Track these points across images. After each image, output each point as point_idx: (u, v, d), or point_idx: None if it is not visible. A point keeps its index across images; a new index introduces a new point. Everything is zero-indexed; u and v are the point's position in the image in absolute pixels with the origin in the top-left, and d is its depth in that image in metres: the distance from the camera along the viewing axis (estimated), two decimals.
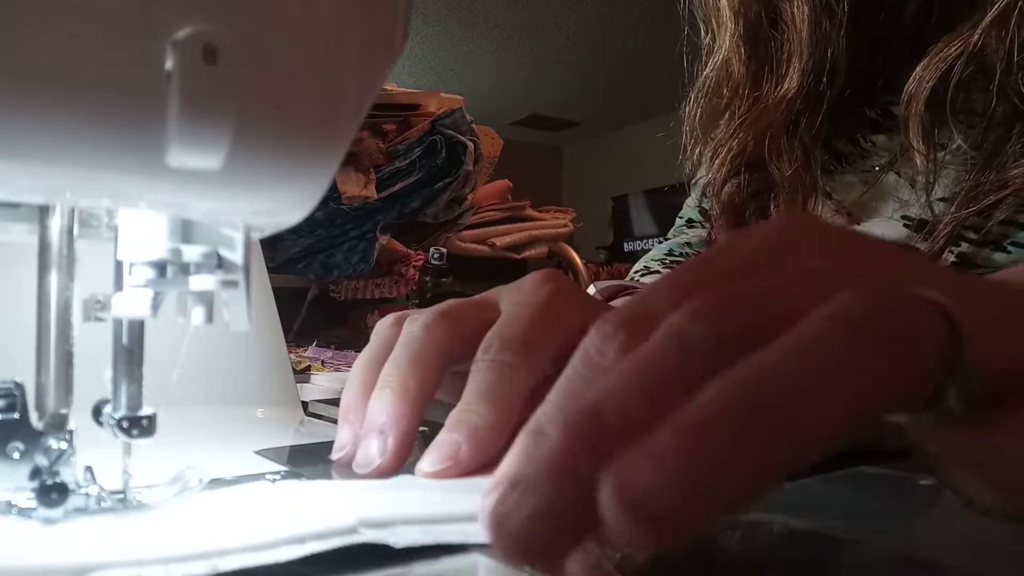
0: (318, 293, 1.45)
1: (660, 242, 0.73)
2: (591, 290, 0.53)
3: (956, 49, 0.41)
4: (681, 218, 0.73)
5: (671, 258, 0.66)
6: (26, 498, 0.23)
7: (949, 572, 0.23)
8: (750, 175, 0.53)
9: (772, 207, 0.54)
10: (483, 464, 0.29)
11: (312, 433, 0.43)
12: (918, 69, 0.43)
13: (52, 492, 0.23)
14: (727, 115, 0.54)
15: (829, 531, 0.26)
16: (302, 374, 0.89)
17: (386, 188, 1.29)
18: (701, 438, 0.15)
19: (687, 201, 0.72)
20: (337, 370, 0.99)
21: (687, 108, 0.58)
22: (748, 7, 0.52)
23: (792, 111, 0.50)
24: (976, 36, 0.40)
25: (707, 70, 0.56)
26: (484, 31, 3.98)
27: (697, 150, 0.58)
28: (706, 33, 0.56)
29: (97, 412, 0.26)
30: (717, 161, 0.54)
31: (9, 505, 0.23)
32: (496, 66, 4.49)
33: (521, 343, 0.30)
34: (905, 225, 0.47)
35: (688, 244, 0.68)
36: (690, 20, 0.58)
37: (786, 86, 0.50)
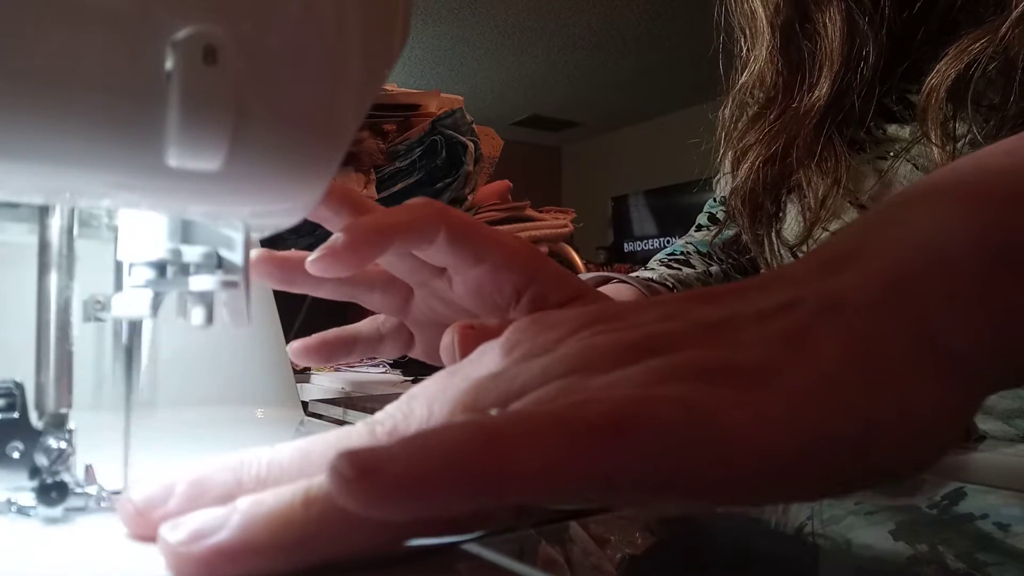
0: None
1: (668, 241, 0.76)
2: None
3: (981, 44, 0.41)
4: (696, 224, 0.76)
5: (671, 257, 0.69)
6: (26, 497, 0.23)
7: (949, 572, 0.23)
8: (770, 168, 0.54)
9: (784, 197, 0.55)
10: None
11: (312, 433, 0.43)
12: (941, 63, 0.43)
13: (52, 491, 0.23)
14: (758, 121, 0.55)
15: (827, 531, 0.26)
16: (302, 374, 0.89)
17: (386, 188, 1.29)
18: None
19: (706, 206, 0.75)
20: (337, 370, 0.99)
21: (722, 114, 0.59)
22: (783, 17, 0.52)
23: (820, 117, 0.50)
24: (1003, 31, 0.40)
25: (743, 78, 0.57)
26: (484, 31, 3.98)
27: (729, 155, 0.59)
28: (744, 42, 0.57)
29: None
30: (746, 165, 0.56)
31: (9, 504, 0.23)
32: (496, 66, 4.49)
33: None
34: None
35: (690, 243, 0.71)
36: (724, 27, 0.58)
37: (816, 93, 0.50)
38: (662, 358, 0.19)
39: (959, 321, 0.20)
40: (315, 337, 0.41)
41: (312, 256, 0.31)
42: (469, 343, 0.28)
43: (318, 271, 0.31)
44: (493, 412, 0.19)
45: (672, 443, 0.17)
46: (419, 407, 0.22)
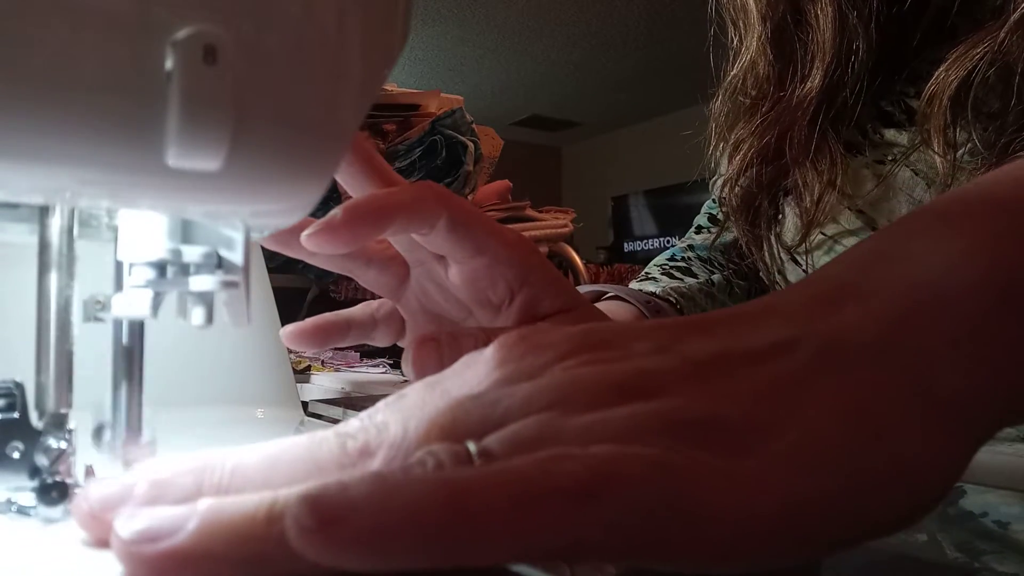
0: (318, 293, 1.45)
1: (668, 241, 0.75)
2: None
3: (980, 50, 0.41)
4: (694, 225, 0.75)
5: (672, 263, 0.67)
6: (26, 497, 0.23)
7: (949, 572, 0.23)
8: (764, 167, 0.54)
9: (781, 197, 0.55)
10: None
11: None
12: (941, 70, 0.43)
13: (52, 491, 0.23)
14: (751, 113, 0.55)
15: None
16: (302, 374, 0.89)
17: None
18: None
19: (704, 206, 0.74)
20: (337, 370, 0.99)
21: (714, 106, 0.59)
22: (774, 9, 0.52)
23: (813, 108, 0.50)
24: (1002, 36, 0.40)
25: (734, 71, 0.57)
26: (484, 31, 3.98)
27: (720, 147, 0.59)
28: (734, 34, 0.57)
29: (99, 434, 0.25)
30: (739, 157, 0.55)
31: (9, 504, 0.23)
32: (496, 66, 4.49)
33: None
34: None
35: (691, 247, 0.70)
36: (716, 20, 0.58)
37: (808, 85, 0.50)
38: (645, 404, 0.19)
39: (959, 366, 0.19)
40: (308, 321, 0.40)
41: (308, 230, 0.30)
42: (428, 353, 0.28)
43: (313, 246, 0.30)
44: (470, 444, 0.19)
45: (641, 509, 0.16)
46: (394, 423, 0.21)
